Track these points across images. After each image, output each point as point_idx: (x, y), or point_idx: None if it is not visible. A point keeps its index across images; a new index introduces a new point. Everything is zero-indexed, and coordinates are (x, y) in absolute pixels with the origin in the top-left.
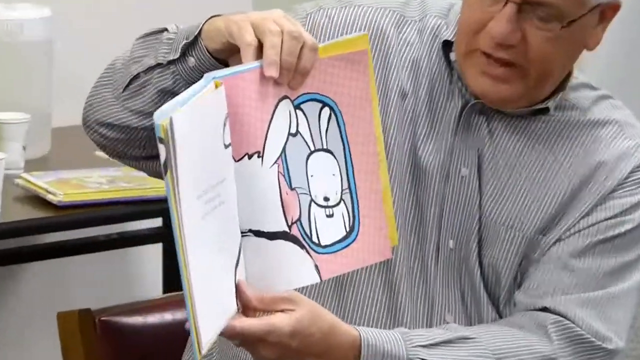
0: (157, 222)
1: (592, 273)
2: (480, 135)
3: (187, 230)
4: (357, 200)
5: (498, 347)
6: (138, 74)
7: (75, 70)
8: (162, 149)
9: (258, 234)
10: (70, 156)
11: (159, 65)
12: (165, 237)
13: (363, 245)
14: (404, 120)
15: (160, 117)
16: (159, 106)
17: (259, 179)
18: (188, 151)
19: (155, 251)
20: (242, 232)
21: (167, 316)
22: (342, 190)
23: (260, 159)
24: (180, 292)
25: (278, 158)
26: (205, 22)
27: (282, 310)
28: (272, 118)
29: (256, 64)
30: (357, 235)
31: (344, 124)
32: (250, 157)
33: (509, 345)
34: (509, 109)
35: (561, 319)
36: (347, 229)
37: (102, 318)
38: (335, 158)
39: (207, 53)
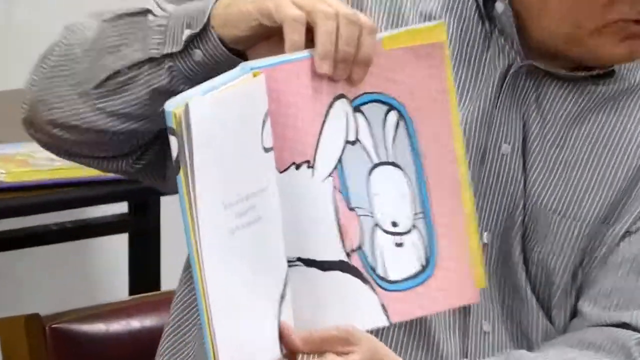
0: (122, 207)
1: None
2: (527, 103)
3: (208, 245)
4: (434, 229)
5: None
6: (119, 69)
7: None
8: (173, 141)
9: (309, 263)
10: (10, 127)
11: (150, 59)
12: (133, 225)
13: (442, 284)
14: None
15: (172, 105)
16: (149, 108)
17: (309, 194)
18: (211, 148)
19: (120, 243)
20: (288, 261)
21: (134, 323)
22: (414, 214)
23: (311, 169)
24: (151, 294)
25: (333, 170)
26: (213, 4)
27: (336, 353)
28: (325, 120)
29: (305, 53)
30: (433, 272)
31: (415, 133)
32: (298, 167)
33: None
34: (568, 69)
35: None
36: (422, 263)
37: (54, 325)
38: (405, 174)
39: (221, 44)
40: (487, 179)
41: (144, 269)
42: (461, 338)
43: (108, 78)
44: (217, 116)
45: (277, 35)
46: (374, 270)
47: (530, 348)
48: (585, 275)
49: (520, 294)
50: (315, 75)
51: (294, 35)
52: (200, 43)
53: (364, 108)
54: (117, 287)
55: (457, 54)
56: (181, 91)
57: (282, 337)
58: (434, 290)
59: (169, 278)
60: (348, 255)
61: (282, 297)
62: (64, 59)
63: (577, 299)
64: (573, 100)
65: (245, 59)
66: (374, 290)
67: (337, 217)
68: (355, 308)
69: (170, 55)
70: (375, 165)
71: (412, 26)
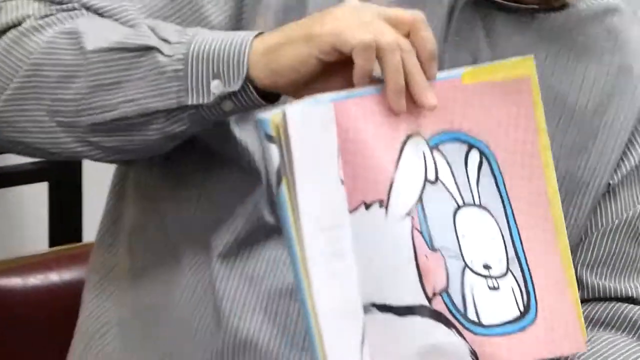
0: None
1: None
2: (476, 39)
3: (314, 268)
4: (530, 274)
5: None
6: (129, 116)
7: None
8: (273, 150)
9: (383, 309)
10: None
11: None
12: (53, 174)
13: (546, 331)
14: None
15: (264, 113)
16: (152, 149)
17: (383, 235)
18: (306, 162)
19: (39, 192)
20: (363, 307)
21: (53, 276)
22: (507, 259)
23: (384, 209)
24: (72, 246)
25: (412, 209)
26: (245, 48)
27: None
28: (399, 158)
29: (371, 89)
30: (535, 317)
31: (501, 174)
32: (368, 206)
33: None
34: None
35: None
36: (522, 308)
37: None
38: (494, 218)
39: (258, 97)
40: None
41: (65, 219)
42: None
43: (113, 120)
44: (307, 130)
45: (329, 73)
46: (462, 313)
47: None
48: (582, 242)
49: None
50: (386, 111)
51: (365, 63)
52: (234, 96)
53: (442, 147)
54: (36, 239)
55: None
56: (195, 133)
57: None
58: (536, 337)
59: (92, 229)
60: (430, 299)
61: (362, 342)
62: (32, 81)
63: None
64: (524, 33)
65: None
66: (461, 334)
67: (416, 259)
68: (436, 354)
69: (194, 106)
70: (460, 207)
71: (496, 61)
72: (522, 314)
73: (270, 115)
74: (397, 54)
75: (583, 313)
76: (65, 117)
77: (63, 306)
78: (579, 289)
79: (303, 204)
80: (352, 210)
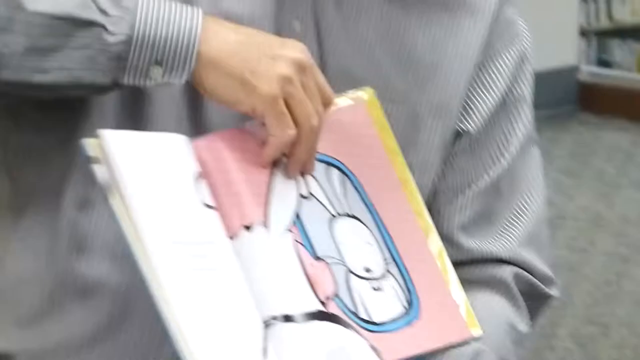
0: None
1: (517, 191)
2: None
3: (172, 278)
4: (408, 274)
5: (496, 344)
6: (56, 82)
7: None
8: (98, 169)
9: (285, 319)
10: None
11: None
12: None
13: (431, 323)
14: None
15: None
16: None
17: (269, 252)
18: (141, 179)
19: None
20: (263, 322)
21: None
22: (385, 261)
23: (265, 227)
24: None
25: (290, 224)
26: (193, 47)
27: None
28: (270, 179)
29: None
30: (419, 312)
31: (361, 185)
32: (249, 228)
33: (499, 335)
34: None
35: (518, 270)
36: (405, 304)
37: None
38: (366, 225)
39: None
40: None
41: None
42: None
43: (42, 84)
44: (139, 150)
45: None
46: (355, 314)
47: None
48: (446, 199)
49: None
50: (252, 141)
51: (276, 152)
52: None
53: None
54: None
55: None
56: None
57: None
58: (424, 329)
59: None
60: (323, 303)
61: (265, 351)
62: None
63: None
64: None
65: None
66: (359, 333)
67: (303, 268)
68: (344, 355)
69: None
70: (335, 217)
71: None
72: (407, 310)
73: (89, 140)
74: (314, 136)
75: (461, 276)
76: None
77: None
78: (457, 253)
79: (141, 217)
80: (234, 235)
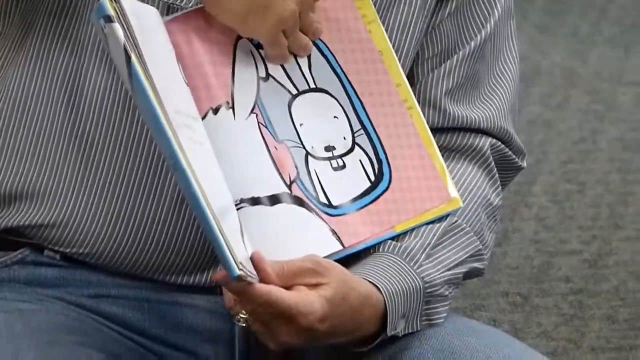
0: None
1: (498, 59)
2: None
3: (183, 149)
4: (380, 140)
5: (470, 215)
6: None
7: None
8: (116, 28)
9: (254, 201)
10: None
11: None
12: None
13: (405, 192)
14: None
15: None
16: None
17: (235, 135)
18: (147, 43)
19: None
20: (235, 205)
21: None
22: (352, 133)
23: (231, 110)
24: None
25: (254, 107)
26: None
27: (307, 285)
28: (234, 60)
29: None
30: (389, 182)
31: (333, 55)
32: (216, 111)
33: (474, 208)
34: None
35: (495, 142)
36: (372, 177)
37: None
38: (333, 97)
39: None
40: None
41: None
42: None
43: None
44: (141, 19)
45: None
46: (315, 198)
47: None
48: (432, 64)
49: None
50: (212, 22)
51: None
52: None
53: None
54: None
55: None
56: None
57: (256, 269)
58: (393, 201)
59: None
60: (289, 186)
61: (242, 233)
62: None
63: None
64: None
65: None
66: (320, 217)
67: (269, 151)
68: (308, 237)
69: None
70: (295, 96)
71: None
72: (374, 184)
73: (104, 0)
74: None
75: (442, 143)
76: None
77: None
78: (442, 118)
79: (156, 78)
80: (203, 117)
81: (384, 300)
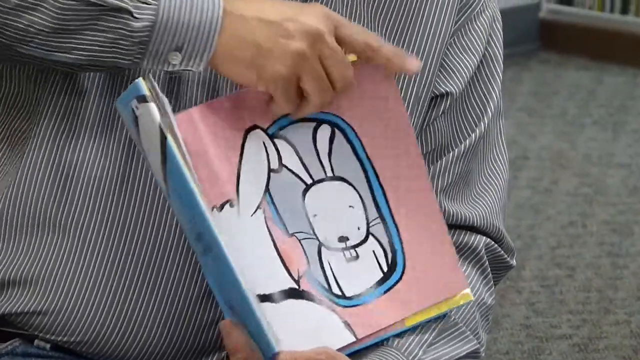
0: None
1: (489, 160)
2: None
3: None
4: (397, 228)
5: (466, 317)
6: (79, 64)
7: None
8: (152, 108)
9: (262, 298)
10: None
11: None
12: None
13: (414, 285)
14: None
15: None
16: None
17: (240, 232)
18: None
19: None
20: None
21: None
22: (368, 222)
23: (235, 207)
24: None
25: (261, 202)
26: (214, 31)
27: None
28: (241, 156)
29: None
30: (403, 271)
31: (359, 139)
32: (220, 208)
33: (470, 309)
34: None
35: (489, 242)
36: (385, 268)
37: None
38: (352, 185)
39: (209, 69)
40: None
41: None
42: None
43: (62, 61)
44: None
45: None
46: (328, 289)
47: None
48: (430, 160)
49: None
50: (222, 114)
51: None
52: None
53: (283, 132)
54: None
55: None
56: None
57: None
58: (406, 292)
59: None
60: (297, 281)
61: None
62: None
63: None
64: None
65: None
66: (332, 309)
67: (275, 247)
68: (320, 331)
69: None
70: (309, 186)
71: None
72: (387, 275)
73: (139, 80)
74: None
75: None
76: (5, 39)
77: None
78: None
79: (188, 158)
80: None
81: None
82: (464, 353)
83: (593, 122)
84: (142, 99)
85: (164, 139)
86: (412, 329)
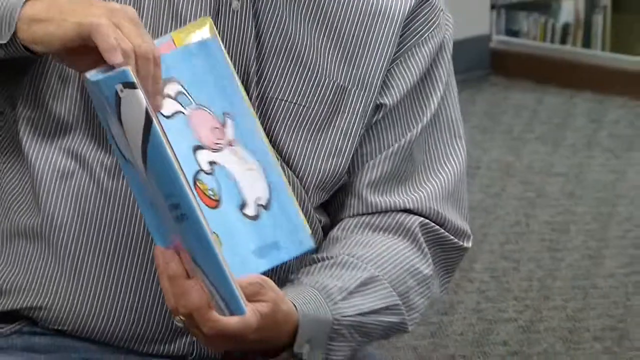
0: None
1: (433, 157)
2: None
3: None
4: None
5: (393, 277)
6: None
7: None
8: (139, 94)
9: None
10: None
11: None
12: None
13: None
14: None
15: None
16: None
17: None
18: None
19: None
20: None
21: None
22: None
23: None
24: None
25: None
26: (14, 13)
27: (251, 294)
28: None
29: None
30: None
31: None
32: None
33: (399, 271)
34: None
35: (427, 222)
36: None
37: None
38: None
39: (23, 49)
40: (223, 33)
41: None
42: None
43: None
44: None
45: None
46: None
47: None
48: (361, 161)
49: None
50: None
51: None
52: (4, 47)
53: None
54: None
55: None
56: None
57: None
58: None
59: None
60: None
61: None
62: None
63: (336, 166)
64: None
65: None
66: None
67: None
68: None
69: None
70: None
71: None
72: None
73: (127, 69)
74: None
75: (366, 223)
76: None
77: None
78: (364, 206)
79: (171, 151)
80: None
81: (297, 320)
82: (382, 306)
83: (535, 137)
84: (129, 85)
85: (149, 122)
86: (337, 275)
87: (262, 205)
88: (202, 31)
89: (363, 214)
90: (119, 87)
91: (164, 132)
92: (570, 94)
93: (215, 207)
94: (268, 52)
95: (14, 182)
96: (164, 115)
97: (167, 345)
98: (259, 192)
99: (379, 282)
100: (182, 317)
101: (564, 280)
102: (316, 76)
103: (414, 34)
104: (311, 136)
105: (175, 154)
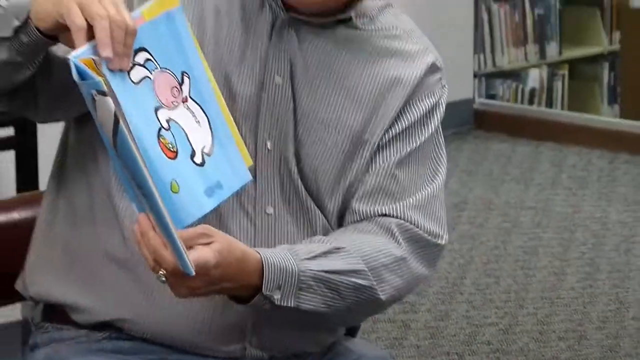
0: (9, 131)
1: (413, 179)
2: (292, 45)
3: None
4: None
5: (364, 252)
6: None
7: None
8: (109, 101)
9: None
10: None
11: None
12: (19, 144)
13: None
14: (220, 37)
15: (90, 79)
16: None
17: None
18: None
19: (7, 159)
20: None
21: (15, 215)
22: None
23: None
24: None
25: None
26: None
27: (201, 244)
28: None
29: (88, 45)
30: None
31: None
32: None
33: (371, 250)
34: (317, 18)
35: (402, 221)
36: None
37: None
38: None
39: (39, 33)
40: (267, 102)
41: (28, 179)
42: (248, 219)
43: None
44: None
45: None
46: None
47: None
48: (354, 180)
49: (298, 193)
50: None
51: (80, 40)
52: (24, 30)
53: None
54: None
55: (240, 13)
56: (22, 61)
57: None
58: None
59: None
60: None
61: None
62: None
63: (344, 198)
64: (325, 42)
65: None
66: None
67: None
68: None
69: (5, 38)
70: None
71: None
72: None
73: (96, 77)
74: (104, 22)
75: (355, 229)
76: None
77: (20, 238)
78: (351, 216)
79: (135, 145)
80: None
81: (262, 261)
82: (347, 268)
83: (510, 178)
84: (101, 93)
85: (117, 123)
86: (306, 243)
87: (206, 153)
88: (169, 6)
89: (350, 223)
90: (94, 92)
91: (128, 127)
92: (537, 144)
93: (174, 158)
94: (301, 115)
95: (100, 217)
96: (133, 82)
97: (224, 347)
98: (204, 142)
99: (346, 251)
100: (162, 272)
101: (535, 292)
102: (340, 131)
103: (418, 93)
104: (332, 175)
105: (135, 144)
